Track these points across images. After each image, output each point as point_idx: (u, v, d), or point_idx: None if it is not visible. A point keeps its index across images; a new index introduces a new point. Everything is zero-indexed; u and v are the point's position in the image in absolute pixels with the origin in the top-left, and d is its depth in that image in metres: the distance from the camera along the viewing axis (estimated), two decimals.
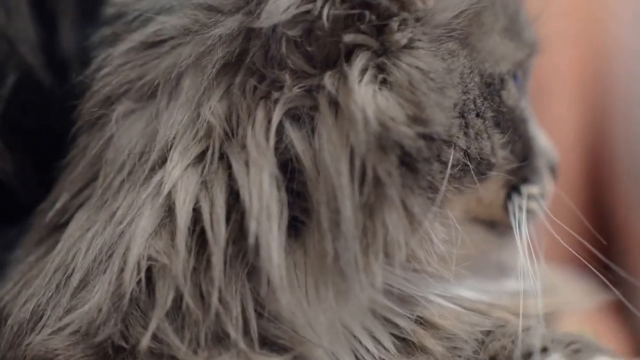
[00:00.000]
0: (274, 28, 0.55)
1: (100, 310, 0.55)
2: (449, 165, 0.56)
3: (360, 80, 0.54)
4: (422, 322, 0.61)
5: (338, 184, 0.53)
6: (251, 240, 0.53)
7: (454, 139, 0.57)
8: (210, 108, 0.56)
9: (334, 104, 0.54)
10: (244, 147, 0.55)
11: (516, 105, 0.63)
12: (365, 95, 0.53)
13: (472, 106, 0.59)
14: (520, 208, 0.64)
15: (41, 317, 0.57)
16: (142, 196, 0.56)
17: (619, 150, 1.06)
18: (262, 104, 0.55)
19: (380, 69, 0.55)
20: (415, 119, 0.54)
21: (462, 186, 0.60)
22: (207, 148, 0.56)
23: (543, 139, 0.69)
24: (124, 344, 0.55)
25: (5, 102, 0.70)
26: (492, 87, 0.61)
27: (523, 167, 0.65)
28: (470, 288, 0.66)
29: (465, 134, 0.58)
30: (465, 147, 0.58)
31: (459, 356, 0.62)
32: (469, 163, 0.59)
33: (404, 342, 0.60)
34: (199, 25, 0.57)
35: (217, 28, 0.56)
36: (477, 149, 0.59)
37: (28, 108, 0.72)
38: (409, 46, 0.56)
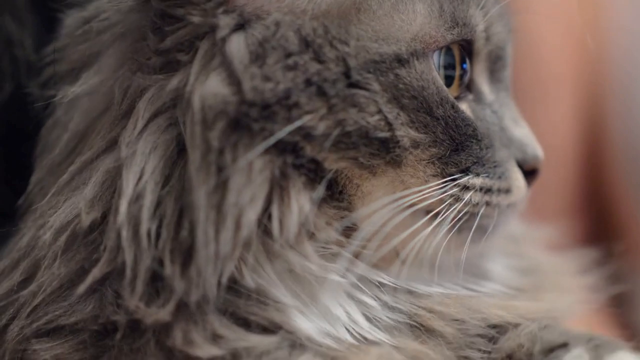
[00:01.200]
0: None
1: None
2: (295, 125, 0.59)
3: (199, 73, 0.60)
4: (426, 308, 0.63)
5: (192, 167, 0.59)
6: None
7: (298, 103, 0.59)
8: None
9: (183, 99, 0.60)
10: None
11: (426, 86, 0.62)
12: (198, 86, 0.59)
13: (335, 76, 0.60)
14: (457, 199, 0.63)
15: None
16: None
17: (617, 146, 1.06)
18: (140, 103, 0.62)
19: (212, 54, 0.60)
20: (235, 90, 0.59)
21: (359, 160, 0.61)
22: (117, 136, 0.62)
23: (519, 132, 0.68)
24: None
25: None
26: (381, 64, 0.60)
27: (459, 156, 0.63)
28: (455, 285, 0.67)
29: (327, 101, 0.59)
30: (327, 114, 0.59)
31: (472, 337, 0.63)
32: (351, 134, 0.60)
33: (410, 327, 0.63)
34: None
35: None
36: (359, 120, 0.60)
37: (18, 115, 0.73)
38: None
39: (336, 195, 0.62)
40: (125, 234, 0.59)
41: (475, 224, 0.64)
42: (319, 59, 0.60)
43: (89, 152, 0.63)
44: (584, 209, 1.05)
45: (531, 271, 0.73)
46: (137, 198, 0.60)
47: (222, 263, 0.58)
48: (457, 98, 0.65)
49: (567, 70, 1.06)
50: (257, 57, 0.59)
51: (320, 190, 0.61)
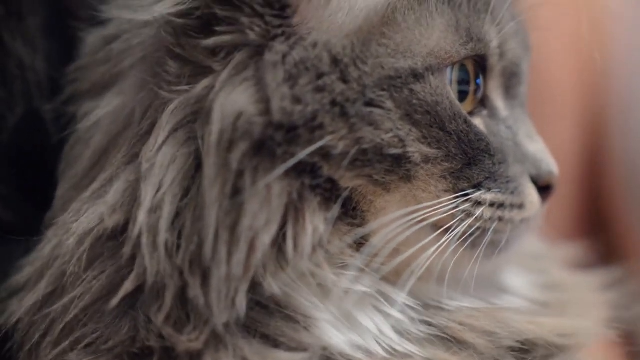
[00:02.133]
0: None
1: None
2: (317, 146, 0.59)
3: (226, 82, 0.59)
4: (456, 321, 0.64)
5: (206, 183, 0.59)
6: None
7: (323, 124, 0.59)
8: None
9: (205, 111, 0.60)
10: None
11: (440, 101, 0.62)
12: (223, 96, 0.59)
13: (355, 96, 0.60)
14: (469, 214, 0.63)
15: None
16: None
17: (618, 163, 1.06)
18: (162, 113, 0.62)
19: (245, 66, 0.60)
20: (262, 110, 0.58)
21: (374, 178, 0.61)
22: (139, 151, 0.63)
23: (533, 148, 0.68)
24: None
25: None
26: (397, 80, 0.61)
27: (471, 171, 0.64)
28: (477, 299, 0.67)
29: (347, 121, 0.60)
30: (347, 134, 0.60)
31: (504, 349, 0.63)
32: (368, 152, 0.60)
33: (441, 339, 0.63)
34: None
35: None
36: (374, 138, 0.60)
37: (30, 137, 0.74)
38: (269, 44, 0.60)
39: (350, 212, 0.62)
40: (144, 243, 0.59)
41: (488, 239, 0.64)
42: (344, 79, 0.60)
43: (110, 168, 0.63)
44: (585, 227, 1.05)
45: (554, 287, 0.73)
46: (156, 209, 0.60)
47: (236, 284, 0.58)
48: (471, 113, 0.66)
49: (570, 88, 1.07)
50: (291, 77, 0.60)
51: (336, 210, 0.61)
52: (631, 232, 1.02)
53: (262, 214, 0.58)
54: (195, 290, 0.58)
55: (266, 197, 0.58)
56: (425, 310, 0.64)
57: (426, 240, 0.63)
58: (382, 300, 0.62)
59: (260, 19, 0.60)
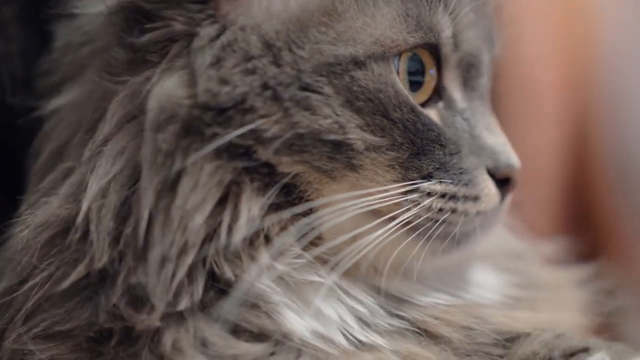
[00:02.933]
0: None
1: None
2: (246, 128, 0.60)
3: (163, 72, 0.61)
4: (431, 316, 0.64)
5: (143, 167, 0.60)
6: None
7: (253, 107, 0.60)
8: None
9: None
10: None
11: (383, 89, 0.62)
12: (158, 86, 0.61)
13: (289, 80, 0.61)
14: (416, 204, 0.63)
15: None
16: None
17: (605, 160, 1.06)
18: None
19: (178, 56, 0.62)
20: (190, 93, 0.60)
21: (315, 164, 0.61)
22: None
23: (491, 140, 0.67)
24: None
25: None
26: (337, 66, 0.61)
27: (420, 161, 0.63)
28: (445, 294, 0.67)
29: (281, 105, 0.60)
30: (281, 118, 0.60)
31: (480, 345, 0.64)
32: (304, 137, 0.60)
33: (413, 333, 0.63)
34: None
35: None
36: (311, 123, 0.60)
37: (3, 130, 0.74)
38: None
39: (296, 200, 0.62)
40: (91, 230, 0.60)
41: (441, 230, 0.64)
42: (277, 62, 0.61)
43: (68, 161, 0.64)
44: (572, 224, 1.05)
45: (531, 286, 0.73)
46: (101, 198, 0.61)
47: (173, 266, 0.59)
48: (425, 104, 0.66)
49: (556, 84, 1.07)
50: (218, 59, 0.61)
51: (272, 195, 0.61)
52: (616, 229, 1.02)
53: (193, 194, 0.59)
54: (137, 275, 0.59)
55: (198, 178, 0.59)
56: (397, 304, 0.64)
57: (368, 226, 0.62)
58: (344, 291, 0.63)
59: (181, 9, 0.62)
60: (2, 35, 0.75)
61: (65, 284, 0.61)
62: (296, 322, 0.61)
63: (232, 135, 0.59)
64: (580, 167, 1.07)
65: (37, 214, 0.63)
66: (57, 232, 0.62)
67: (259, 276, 0.60)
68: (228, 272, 0.60)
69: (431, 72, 0.66)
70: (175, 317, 0.60)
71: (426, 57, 0.65)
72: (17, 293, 0.62)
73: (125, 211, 0.60)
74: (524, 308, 0.69)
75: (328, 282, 0.62)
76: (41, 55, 0.72)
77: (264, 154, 0.61)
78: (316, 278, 0.62)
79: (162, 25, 0.62)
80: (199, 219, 0.59)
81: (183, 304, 0.59)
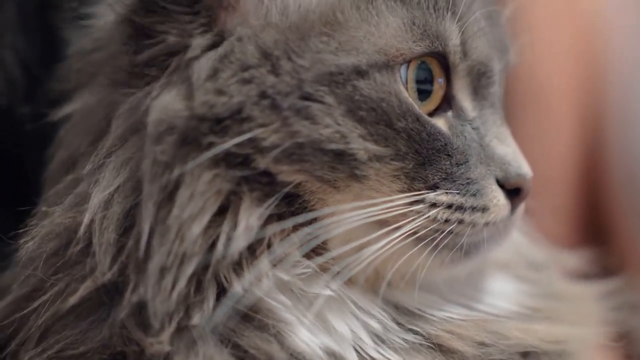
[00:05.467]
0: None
1: None
2: (244, 137, 0.60)
3: (162, 87, 0.61)
4: (445, 330, 0.64)
5: (144, 179, 0.60)
6: None
7: (251, 116, 0.60)
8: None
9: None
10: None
11: (386, 98, 0.62)
12: (157, 100, 0.61)
13: (289, 89, 0.60)
14: (421, 215, 0.62)
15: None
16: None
17: (615, 157, 1.05)
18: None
19: (176, 70, 0.62)
20: (188, 106, 0.60)
21: (316, 174, 0.61)
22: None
23: (501, 150, 0.66)
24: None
25: None
26: (339, 76, 0.61)
27: (426, 171, 0.63)
28: (460, 306, 0.67)
29: (279, 114, 0.60)
30: (280, 127, 0.60)
31: None
32: (305, 146, 0.60)
33: (428, 348, 0.63)
34: None
35: None
36: (311, 132, 0.60)
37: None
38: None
39: (300, 210, 0.62)
40: (94, 243, 0.60)
41: (449, 241, 0.63)
42: (275, 71, 0.61)
43: (75, 171, 0.64)
44: (585, 235, 1.03)
45: (550, 297, 0.72)
46: (105, 209, 0.61)
47: (171, 277, 0.59)
48: (434, 113, 0.65)
49: (568, 94, 1.06)
50: (214, 71, 0.61)
51: (272, 204, 0.61)
52: (630, 240, 1.00)
53: (191, 204, 0.59)
54: (139, 288, 0.59)
55: (195, 188, 0.59)
56: (410, 318, 0.64)
57: (374, 235, 0.62)
58: (356, 305, 0.62)
59: (173, 21, 0.62)
60: None
61: (74, 299, 0.60)
62: (308, 340, 0.60)
63: (229, 144, 0.59)
64: (595, 174, 1.06)
65: (44, 225, 0.63)
66: (62, 243, 0.62)
67: (262, 286, 0.60)
68: (236, 285, 0.59)
69: (439, 80, 0.65)
70: (185, 341, 0.59)
71: (435, 66, 0.65)
72: (28, 310, 0.62)
73: (128, 223, 0.60)
74: (541, 319, 0.68)
75: (338, 294, 0.61)
76: (49, 61, 0.72)
77: (263, 162, 0.60)
78: (326, 291, 0.61)
79: (158, 40, 0.62)
80: (196, 228, 0.59)
81: (195, 319, 0.59)
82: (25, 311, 0.62)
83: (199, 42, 0.61)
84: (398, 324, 0.63)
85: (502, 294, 0.69)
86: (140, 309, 0.59)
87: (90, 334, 0.61)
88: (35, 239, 0.62)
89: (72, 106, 0.68)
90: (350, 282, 0.63)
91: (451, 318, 0.65)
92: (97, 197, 0.61)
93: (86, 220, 0.60)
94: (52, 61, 0.72)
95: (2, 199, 0.70)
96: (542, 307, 0.69)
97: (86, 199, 0.61)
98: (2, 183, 0.72)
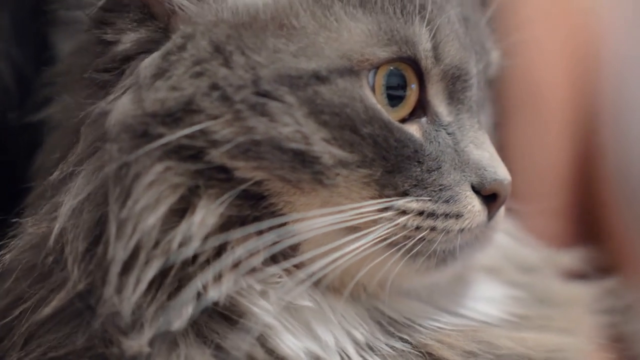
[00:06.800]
0: None
1: None
2: (193, 129, 0.60)
3: (116, 98, 0.62)
4: (434, 339, 0.64)
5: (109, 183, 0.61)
6: None
7: (201, 107, 0.60)
8: None
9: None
10: None
11: (349, 104, 0.61)
12: (113, 104, 0.62)
13: (242, 82, 0.60)
14: (391, 221, 0.62)
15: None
16: None
17: (609, 155, 1.05)
18: None
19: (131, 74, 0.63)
20: (140, 105, 0.61)
21: (277, 173, 0.61)
22: None
23: (477, 155, 0.66)
24: None
25: None
26: (299, 79, 0.61)
27: (395, 178, 0.62)
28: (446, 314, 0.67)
29: (231, 107, 0.60)
30: (233, 121, 0.60)
31: None
32: (262, 143, 0.60)
33: (416, 356, 0.63)
34: None
35: None
36: (269, 130, 0.60)
37: None
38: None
39: (266, 215, 0.62)
40: (66, 251, 0.61)
41: (424, 248, 0.63)
42: (228, 65, 0.61)
43: (50, 179, 0.65)
44: (581, 235, 1.03)
45: (542, 301, 0.72)
46: (75, 217, 0.61)
47: (134, 279, 0.59)
48: (406, 119, 0.65)
49: (561, 90, 1.06)
50: (163, 70, 0.62)
51: (228, 201, 0.61)
52: (625, 240, 1.00)
53: (144, 196, 0.60)
54: (105, 293, 0.59)
55: (147, 179, 0.60)
56: (398, 326, 0.64)
57: (344, 240, 0.61)
58: (339, 313, 0.62)
59: (123, 24, 0.63)
60: None
61: (49, 309, 0.61)
62: (292, 344, 0.60)
63: (177, 135, 0.60)
64: (590, 173, 1.06)
65: (21, 235, 0.63)
66: (37, 253, 0.62)
67: (222, 288, 0.60)
68: (213, 292, 0.59)
69: (412, 86, 0.64)
70: (167, 343, 0.60)
71: (408, 72, 0.64)
72: (11, 317, 0.63)
73: (98, 232, 0.61)
74: (532, 328, 0.68)
75: (319, 302, 0.62)
76: (39, 67, 0.72)
77: (218, 157, 0.60)
78: (304, 300, 0.61)
79: (107, 47, 0.63)
80: (150, 221, 0.59)
81: (176, 324, 0.59)
82: (7, 319, 0.62)
83: (129, 36, 0.63)
84: (386, 332, 0.63)
85: (491, 300, 0.69)
86: (117, 312, 0.59)
87: (73, 337, 0.61)
88: (13, 251, 0.63)
89: (50, 111, 0.69)
90: (331, 290, 0.63)
91: (440, 327, 0.65)
92: (67, 205, 0.61)
93: (56, 229, 0.61)
94: (44, 67, 0.72)
95: None
96: (533, 314, 0.69)
97: (58, 208, 0.62)
98: None
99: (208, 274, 0.59)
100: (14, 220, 0.66)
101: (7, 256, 0.63)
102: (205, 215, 0.60)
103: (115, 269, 0.59)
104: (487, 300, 0.69)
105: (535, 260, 0.76)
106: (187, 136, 0.60)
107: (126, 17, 0.64)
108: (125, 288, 0.59)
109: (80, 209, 0.61)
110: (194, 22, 0.62)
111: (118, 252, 0.59)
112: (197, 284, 0.59)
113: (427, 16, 0.63)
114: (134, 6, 0.64)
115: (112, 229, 0.59)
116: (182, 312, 0.59)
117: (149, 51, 0.63)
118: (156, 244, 0.59)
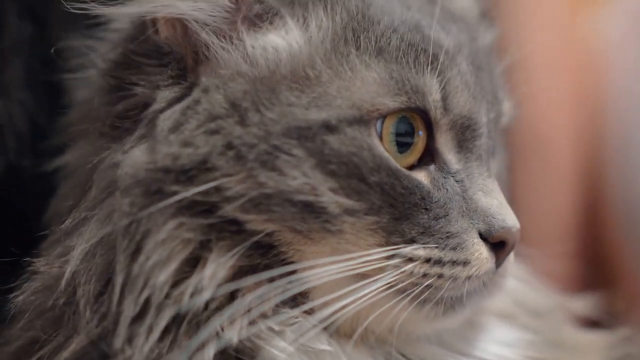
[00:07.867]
0: None
1: None
2: (206, 187, 0.60)
3: (132, 147, 0.63)
4: None
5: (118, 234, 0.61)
6: None
7: (216, 166, 0.61)
8: None
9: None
10: None
11: (357, 153, 0.62)
12: (127, 154, 0.63)
13: (255, 140, 0.61)
14: (398, 268, 0.62)
15: None
16: None
17: (617, 198, 1.05)
18: None
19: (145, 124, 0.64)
20: (152, 159, 0.61)
21: (287, 224, 0.61)
22: None
23: (485, 203, 0.66)
24: None
25: None
26: (308, 130, 0.61)
27: (402, 225, 0.63)
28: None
29: (244, 165, 0.61)
30: (246, 178, 0.61)
31: None
32: (272, 197, 0.61)
33: None
34: None
35: None
36: (278, 184, 0.61)
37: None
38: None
39: (276, 263, 0.62)
40: (78, 294, 0.61)
41: (431, 295, 0.63)
42: (243, 123, 0.62)
43: (64, 224, 0.65)
44: (591, 280, 1.03)
45: (556, 346, 0.72)
46: (87, 261, 0.62)
47: (145, 329, 0.59)
48: (414, 166, 0.65)
49: (568, 135, 1.07)
50: (178, 124, 0.62)
51: (240, 253, 0.61)
52: (637, 284, 1.00)
53: (156, 252, 0.60)
54: (116, 342, 0.59)
55: (160, 236, 0.60)
56: None
57: (353, 287, 0.62)
58: (348, 357, 0.62)
59: (142, 73, 0.64)
60: (4, 97, 0.76)
61: (67, 353, 0.61)
62: None
63: (191, 192, 0.60)
64: (599, 217, 1.06)
65: (34, 277, 0.64)
66: (49, 296, 0.63)
67: (233, 332, 0.60)
68: (229, 335, 0.59)
69: (419, 133, 0.65)
70: None
71: (416, 120, 0.65)
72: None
73: (110, 274, 0.61)
74: None
75: (334, 347, 0.62)
76: (52, 114, 0.73)
77: (230, 211, 0.61)
78: (323, 345, 0.62)
79: (130, 93, 0.64)
80: (162, 276, 0.60)
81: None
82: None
83: (164, 94, 0.63)
84: None
85: (505, 343, 0.69)
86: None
87: None
88: (25, 292, 0.63)
89: (65, 158, 0.70)
90: (341, 334, 0.63)
91: None
92: (80, 249, 0.62)
93: (68, 272, 0.61)
94: (57, 114, 0.74)
95: (7, 252, 0.71)
96: (548, 357, 0.69)
97: (70, 251, 0.62)
98: (7, 236, 0.72)
99: (222, 319, 0.59)
100: (26, 263, 0.66)
101: (20, 298, 0.63)
102: (217, 269, 0.60)
103: (125, 322, 0.59)
104: (500, 343, 0.69)
105: (547, 305, 0.76)
106: (200, 192, 0.60)
107: (164, 72, 0.64)
108: (136, 337, 0.59)
109: (93, 253, 0.61)
110: (216, 72, 0.63)
111: (128, 307, 0.59)
112: (212, 327, 0.59)
113: (438, 67, 0.64)
114: (173, 59, 0.64)
115: (119, 280, 0.59)
116: (204, 355, 0.59)
117: (155, 98, 0.63)
118: (167, 296, 0.60)
